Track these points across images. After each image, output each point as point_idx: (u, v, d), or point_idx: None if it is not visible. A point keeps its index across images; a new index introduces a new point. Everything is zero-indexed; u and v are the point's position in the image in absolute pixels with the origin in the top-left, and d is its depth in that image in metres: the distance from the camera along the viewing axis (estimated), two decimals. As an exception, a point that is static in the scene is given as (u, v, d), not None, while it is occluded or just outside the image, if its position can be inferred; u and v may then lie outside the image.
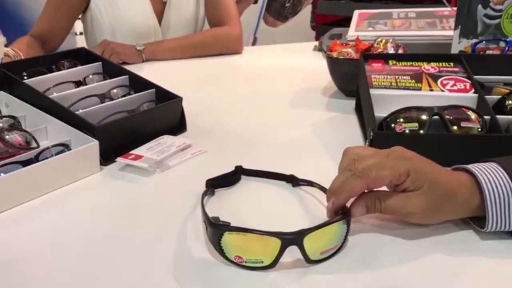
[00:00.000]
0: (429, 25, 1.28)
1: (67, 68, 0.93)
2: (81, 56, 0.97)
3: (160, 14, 1.47)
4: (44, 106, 0.80)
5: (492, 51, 1.02)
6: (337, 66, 1.02)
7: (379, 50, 1.03)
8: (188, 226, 0.60)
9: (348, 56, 1.02)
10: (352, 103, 0.97)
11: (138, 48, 1.35)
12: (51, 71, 0.91)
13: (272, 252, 0.51)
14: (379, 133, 0.73)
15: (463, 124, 0.72)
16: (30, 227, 0.62)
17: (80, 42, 1.62)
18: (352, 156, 0.58)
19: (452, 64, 0.89)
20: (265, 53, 1.51)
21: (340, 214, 0.55)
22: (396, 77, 0.86)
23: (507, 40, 1.02)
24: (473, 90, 0.82)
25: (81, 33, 1.74)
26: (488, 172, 0.55)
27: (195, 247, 0.56)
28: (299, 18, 2.63)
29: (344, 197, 0.56)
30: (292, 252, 0.51)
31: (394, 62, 0.90)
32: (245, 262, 0.52)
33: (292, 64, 1.33)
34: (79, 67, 0.93)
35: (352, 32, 1.27)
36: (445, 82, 0.84)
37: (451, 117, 0.73)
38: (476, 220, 0.57)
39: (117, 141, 0.76)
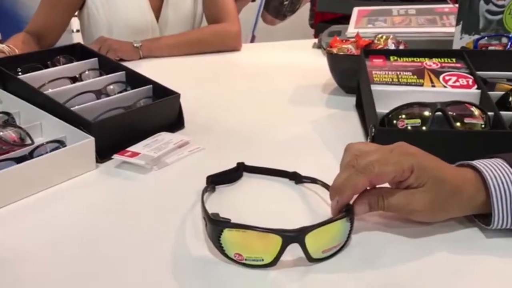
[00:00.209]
0: (429, 22, 1.27)
1: (63, 64, 0.91)
2: (77, 52, 0.96)
3: (157, 11, 1.45)
4: (39, 102, 0.78)
5: (494, 47, 1.01)
6: (337, 62, 1.01)
7: (380, 47, 1.02)
8: (186, 223, 0.59)
9: (348, 52, 1.01)
10: (352, 100, 0.96)
11: (135, 45, 1.33)
12: (47, 67, 0.90)
13: (273, 250, 0.49)
14: (381, 129, 0.71)
15: (466, 120, 0.71)
16: (24, 225, 0.60)
17: (77, 39, 1.60)
18: (354, 152, 0.57)
19: (454, 60, 0.87)
20: (264, 50, 1.50)
21: (343, 211, 0.54)
22: (398, 73, 0.85)
23: (510, 36, 1.00)
24: (476, 86, 0.81)
25: (77, 31, 1.73)
26: (493, 168, 0.54)
27: (194, 245, 0.55)
28: (297, 16, 2.61)
29: (347, 194, 0.54)
30: (294, 250, 0.50)
31: (396, 58, 0.89)
32: (245, 260, 0.50)
33: (292, 61, 1.31)
34: (75, 63, 0.92)
35: (351, 29, 1.26)
36: (447, 78, 0.83)
37: (454, 113, 0.71)
38: (481, 218, 0.56)
39: (113, 138, 0.75)
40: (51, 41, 1.39)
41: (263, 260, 0.50)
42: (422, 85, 0.82)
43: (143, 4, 1.42)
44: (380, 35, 1.06)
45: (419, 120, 0.71)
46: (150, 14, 1.43)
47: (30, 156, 0.67)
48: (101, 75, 0.91)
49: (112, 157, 0.72)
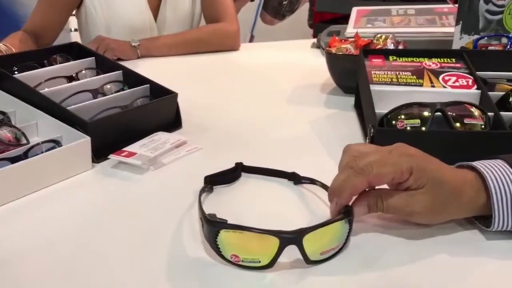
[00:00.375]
0: (429, 22, 1.27)
1: (59, 63, 0.90)
2: (74, 51, 0.95)
3: (155, 10, 1.44)
4: (34, 102, 0.77)
5: (494, 47, 1.00)
6: (336, 62, 1.00)
7: (379, 46, 1.01)
8: (183, 224, 0.58)
9: (347, 52, 1.00)
10: (351, 100, 0.95)
11: (133, 44, 1.33)
12: (43, 66, 0.89)
13: (270, 252, 0.49)
14: (380, 129, 0.71)
15: (466, 120, 0.70)
16: (20, 225, 0.59)
17: (75, 39, 1.59)
18: (352, 153, 0.56)
19: (454, 60, 0.87)
20: (262, 50, 1.49)
21: (342, 213, 0.53)
22: (397, 73, 0.84)
23: (510, 36, 1.00)
24: (475, 86, 0.80)
25: (75, 30, 1.72)
26: (494, 169, 0.53)
27: (190, 246, 0.54)
28: (296, 16, 2.60)
29: (346, 195, 0.54)
30: (291, 252, 0.49)
31: (395, 57, 0.88)
32: (242, 261, 0.50)
33: (290, 61, 1.31)
34: (72, 62, 0.91)
35: (350, 29, 1.25)
36: (447, 78, 0.82)
37: (454, 114, 0.71)
38: (482, 219, 0.55)
39: (109, 137, 0.74)
40: (48, 40, 1.38)
41: (260, 261, 0.49)
42: (421, 85, 0.81)
43: (141, 3, 1.41)
44: (379, 35, 1.05)
45: (418, 121, 0.71)
46: (148, 13, 1.43)
47: (25, 156, 0.66)
48: (98, 74, 0.90)
49: (109, 157, 0.72)
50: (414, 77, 0.83)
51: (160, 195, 0.66)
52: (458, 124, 0.70)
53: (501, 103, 0.77)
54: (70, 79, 0.86)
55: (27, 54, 0.93)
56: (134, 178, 0.70)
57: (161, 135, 0.78)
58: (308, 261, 0.50)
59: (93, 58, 0.93)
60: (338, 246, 0.52)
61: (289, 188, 0.66)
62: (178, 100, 0.85)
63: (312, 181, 0.65)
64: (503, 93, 0.79)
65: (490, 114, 0.72)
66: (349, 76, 0.95)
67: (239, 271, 0.50)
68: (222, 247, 0.50)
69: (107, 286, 0.49)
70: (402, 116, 0.72)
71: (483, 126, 0.70)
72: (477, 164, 0.54)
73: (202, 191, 0.62)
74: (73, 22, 1.71)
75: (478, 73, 0.82)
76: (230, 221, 0.50)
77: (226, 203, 0.63)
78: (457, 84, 0.81)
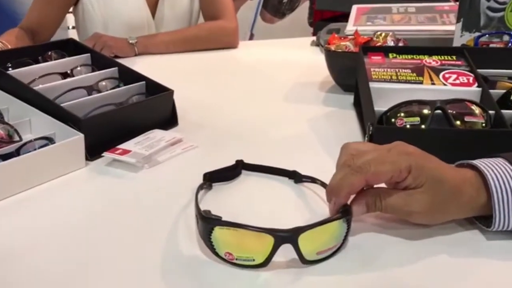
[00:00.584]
0: (429, 20, 1.25)
1: (54, 59, 0.89)
2: (69, 48, 0.93)
3: (153, 7, 1.43)
4: (28, 98, 0.76)
5: (495, 44, 0.99)
6: (335, 60, 0.99)
7: (379, 44, 1.00)
8: (177, 223, 0.57)
9: (346, 49, 0.99)
10: (350, 98, 0.94)
11: (130, 41, 1.31)
12: (37, 62, 0.88)
13: (265, 250, 0.47)
14: (379, 127, 0.69)
15: (466, 118, 0.69)
16: (10, 224, 0.58)
17: (73, 36, 1.58)
18: (350, 152, 0.55)
19: (454, 57, 0.85)
20: (261, 48, 1.48)
21: (340, 212, 0.52)
22: (397, 70, 0.83)
23: (511, 33, 0.98)
24: (476, 84, 0.79)
25: (73, 27, 1.71)
26: (494, 167, 0.52)
27: (185, 244, 0.53)
28: (296, 15, 2.59)
29: (343, 194, 0.52)
30: (287, 251, 0.48)
31: (395, 55, 0.87)
32: (236, 259, 0.49)
33: (289, 58, 1.30)
34: (67, 59, 0.89)
35: (350, 27, 1.24)
36: (447, 75, 0.81)
37: (454, 112, 0.69)
38: (482, 219, 0.54)
39: (104, 135, 0.73)
40: (45, 37, 1.37)
41: (254, 260, 0.48)
42: (421, 82, 0.80)
43: (139, 0, 1.40)
44: (379, 33, 1.04)
45: (418, 118, 0.69)
46: (146, 10, 1.41)
47: (17, 153, 0.65)
48: (93, 71, 0.89)
49: (102, 154, 0.70)
50: (414, 74, 0.82)
51: (154, 193, 0.65)
52: (458, 122, 0.69)
53: (502, 101, 0.76)
54: (64, 75, 0.85)
55: (22, 50, 0.92)
56: (128, 176, 0.68)
57: (157, 132, 0.77)
58: (304, 261, 0.48)
59: (89, 54, 0.91)
60: (336, 246, 0.51)
61: (289, 186, 0.65)
62: (174, 97, 0.84)
63: (312, 180, 0.64)
64: (504, 91, 0.77)
65: (491, 112, 0.71)
66: (348, 73, 0.93)
67: (233, 270, 0.49)
68: (216, 244, 0.49)
69: (100, 284, 0.48)
70: (402, 114, 0.71)
71: (483, 124, 0.69)
72: (477, 162, 0.53)
73: (200, 188, 0.61)
74: (70, 19, 1.70)
75: (479, 70, 0.81)
76: (227, 219, 0.49)
77: (224, 201, 0.62)
78: (457, 81, 0.80)
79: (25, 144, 0.66)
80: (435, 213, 0.53)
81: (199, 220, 0.51)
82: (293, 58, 1.30)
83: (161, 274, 0.49)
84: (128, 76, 0.87)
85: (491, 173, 0.51)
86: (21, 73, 0.82)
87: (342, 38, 1.05)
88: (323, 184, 0.62)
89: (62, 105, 0.74)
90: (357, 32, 1.05)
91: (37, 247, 0.53)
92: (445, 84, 0.79)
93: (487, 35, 1.00)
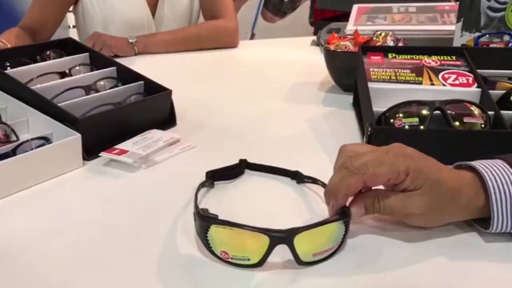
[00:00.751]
0: (430, 19, 1.25)
1: (53, 59, 0.89)
2: (68, 47, 0.93)
3: (153, 6, 1.43)
4: (25, 98, 0.76)
5: (495, 45, 0.98)
6: (334, 60, 0.99)
7: (378, 44, 1.00)
8: (175, 223, 0.57)
9: (346, 49, 0.99)
10: (349, 98, 0.94)
11: (130, 40, 1.31)
12: (36, 61, 0.87)
13: (260, 250, 0.47)
14: (377, 128, 0.69)
15: (466, 119, 0.69)
16: (6, 225, 0.58)
17: (73, 35, 1.58)
18: (348, 154, 0.54)
19: (454, 57, 0.85)
20: (261, 47, 1.47)
21: (338, 214, 0.51)
22: (396, 70, 0.82)
23: (512, 33, 0.98)
24: (476, 85, 0.78)
25: (74, 26, 1.71)
26: (493, 169, 0.51)
27: (182, 243, 0.53)
28: (297, 14, 2.59)
29: (341, 196, 0.52)
30: (283, 252, 0.47)
31: (394, 55, 0.87)
32: (231, 258, 0.49)
33: (289, 58, 1.29)
34: (65, 58, 0.89)
35: (350, 27, 1.24)
36: (446, 76, 0.81)
37: (453, 112, 0.69)
38: (480, 221, 0.53)
39: (101, 135, 0.72)
40: (45, 36, 1.37)
41: (249, 260, 0.48)
42: (420, 83, 0.80)
43: (139, 0, 1.39)
44: (379, 32, 1.03)
45: (416, 119, 0.69)
46: (146, 9, 1.41)
47: (13, 153, 0.64)
48: (92, 70, 0.89)
49: (100, 154, 0.70)
50: (413, 74, 0.81)
51: (151, 193, 0.65)
52: (457, 123, 0.68)
53: (502, 102, 0.75)
54: (62, 75, 0.85)
55: (20, 49, 0.92)
56: (126, 176, 0.68)
57: (154, 132, 0.77)
58: (300, 262, 0.48)
59: (87, 54, 0.91)
60: (333, 247, 0.51)
61: (291, 186, 0.65)
62: (173, 97, 0.84)
63: (314, 181, 0.63)
64: (504, 91, 0.77)
65: (490, 113, 0.70)
66: (347, 73, 0.93)
67: (229, 270, 0.48)
68: (212, 243, 0.49)
69: (97, 283, 0.47)
70: (401, 115, 0.70)
71: (483, 125, 0.69)
72: (476, 164, 0.53)
73: (202, 185, 0.61)
74: (71, 18, 1.69)
75: (479, 71, 0.81)
76: (227, 218, 0.49)
77: (225, 199, 0.62)
78: (457, 82, 0.79)
79: (21, 144, 0.66)
80: (433, 215, 0.52)
81: (196, 218, 0.51)
82: (293, 57, 1.29)
83: (158, 272, 0.49)
84: (126, 75, 0.86)
85: (489, 175, 0.51)
86: (19, 72, 0.82)
87: (342, 38, 1.04)
88: (324, 185, 0.61)
89: (59, 104, 0.74)
90: (357, 32, 1.05)
91: (33, 248, 0.53)
92: (444, 85, 0.79)
93: (487, 35, 1.00)
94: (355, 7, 1.37)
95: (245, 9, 2.46)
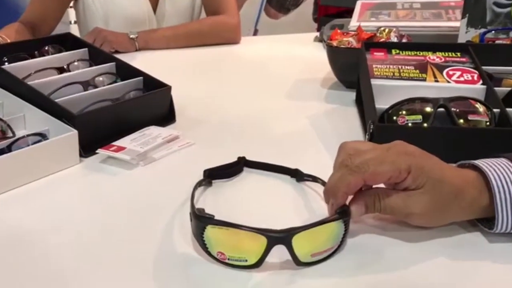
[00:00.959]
0: (434, 16, 1.23)
1: (51, 54, 0.88)
2: (67, 42, 0.92)
3: (155, 2, 1.42)
4: (22, 93, 0.75)
5: (501, 41, 0.97)
6: (337, 56, 0.97)
7: (382, 40, 0.98)
8: (172, 222, 0.56)
9: (349, 45, 0.97)
10: (352, 95, 0.92)
11: (131, 36, 1.30)
12: (34, 56, 0.86)
13: (257, 251, 0.46)
14: (380, 125, 0.68)
15: (470, 117, 0.67)
16: (1, 222, 0.57)
17: (75, 31, 1.57)
18: (348, 151, 0.53)
19: (459, 54, 0.83)
20: (264, 44, 1.46)
21: (337, 213, 0.50)
22: (399, 67, 0.81)
23: (518, 29, 0.96)
24: (481, 82, 0.77)
25: (75, 22, 1.69)
26: (497, 168, 0.50)
27: (179, 243, 0.52)
28: (301, 10, 2.57)
29: (341, 194, 0.51)
30: (281, 252, 0.46)
31: (398, 51, 0.85)
32: (228, 259, 0.47)
33: (291, 54, 1.28)
34: (63, 53, 0.88)
35: (354, 23, 1.22)
36: (451, 72, 0.79)
37: (458, 110, 0.68)
38: (484, 221, 0.52)
39: (99, 131, 0.71)
40: (46, 31, 1.36)
41: (246, 260, 0.47)
42: (424, 79, 0.78)
43: (140, -5, 1.38)
44: (382, 28, 1.02)
45: (420, 117, 0.68)
46: (147, 5, 1.40)
47: (8, 149, 0.63)
48: (91, 66, 0.87)
49: (97, 151, 0.69)
50: (417, 71, 0.80)
51: (149, 191, 0.63)
52: (461, 121, 0.67)
53: (508, 99, 0.74)
54: (61, 70, 0.84)
55: (18, 44, 0.91)
56: (123, 173, 0.67)
57: (153, 129, 0.75)
58: (298, 263, 0.47)
59: (86, 49, 0.90)
60: (333, 247, 0.49)
61: (291, 185, 0.63)
62: (173, 93, 0.83)
63: (314, 179, 0.62)
64: (509, 88, 0.75)
65: (495, 110, 0.69)
66: (350, 70, 0.91)
67: (226, 271, 0.47)
68: (208, 243, 0.48)
69: (92, 281, 0.46)
70: (404, 112, 0.69)
71: (488, 123, 0.67)
72: (479, 162, 0.51)
73: (199, 184, 0.60)
74: (73, 14, 1.68)
75: (484, 67, 0.79)
76: (224, 217, 0.47)
77: (223, 198, 0.60)
78: (461, 79, 0.78)
79: (17, 140, 0.65)
80: (436, 215, 0.51)
81: (192, 218, 0.50)
82: (295, 54, 1.28)
83: (153, 272, 0.47)
84: (125, 71, 0.85)
85: (493, 174, 0.49)
86: (17, 67, 0.81)
87: (345, 34, 1.03)
88: (324, 184, 0.60)
89: (56, 100, 0.73)
90: (360, 28, 1.03)
91: (29, 245, 0.52)
92: (448, 82, 0.77)
93: (493, 31, 0.98)
94: (359, 3, 1.35)
95: (248, 5, 2.45)
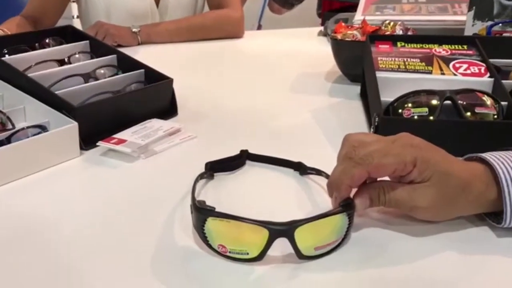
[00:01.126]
0: (440, 9, 1.22)
1: (52, 46, 0.87)
2: (68, 35, 0.91)
3: (157, -5, 1.40)
4: (23, 86, 0.74)
5: (509, 34, 0.95)
6: (341, 49, 0.96)
7: (387, 33, 0.97)
8: (173, 215, 0.55)
9: (353, 38, 0.96)
10: (356, 88, 0.91)
11: (133, 30, 1.28)
12: (35, 49, 0.85)
13: (259, 244, 0.45)
14: (385, 118, 0.66)
15: (477, 109, 0.66)
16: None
17: (77, 26, 1.56)
18: (352, 143, 0.52)
19: (465, 46, 0.82)
20: (267, 38, 1.45)
21: (341, 206, 0.49)
22: (405, 59, 0.80)
23: (526, 23, 0.95)
24: (488, 74, 0.75)
25: (77, 17, 1.68)
26: (505, 161, 0.49)
27: (179, 236, 0.51)
28: (305, 5, 2.55)
29: (344, 187, 0.50)
30: (284, 245, 0.45)
31: (403, 44, 0.84)
32: (229, 252, 0.46)
33: (295, 48, 1.27)
34: (64, 45, 0.87)
35: (358, 17, 1.21)
36: (457, 65, 0.78)
37: (465, 102, 0.66)
38: (492, 215, 0.51)
39: (100, 123, 0.70)
40: (47, 25, 1.34)
41: (248, 253, 0.46)
42: (430, 72, 0.77)
43: (142, -12, 1.37)
44: (387, 22, 1.01)
45: (426, 109, 0.66)
46: (149, -2, 1.39)
47: (7, 141, 0.62)
48: (92, 58, 0.86)
49: (97, 144, 0.68)
50: (423, 64, 0.78)
51: (150, 184, 0.62)
52: (468, 114, 0.66)
53: (516, 92, 0.72)
54: (61, 62, 0.83)
55: (19, 36, 0.90)
56: (124, 166, 0.66)
57: (154, 122, 0.74)
58: (301, 256, 0.46)
59: (87, 42, 0.89)
60: (336, 241, 0.48)
61: (294, 178, 0.62)
62: (176, 87, 0.82)
63: (318, 172, 0.61)
64: (517, 81, 0.74)
65: (503, 103, 0.68)
66: (355, 63, 0.90)
67: (227, 264, 0.46)
68: (209, 236, 0.47)
69: (92, 274, 0.46)
70: (409, 104, 0.68)
71: (495, 116, 0.66)
72: (487, 155, 0.50)
73: (200, 177, 0.59)
74: (75, 8, 1.67)
75: (491, 60, 0.78)
76: (226, 210, 0.46)
77: (225, 191, 0.59)
78: (468, 71, 0.76)
79: (17, 132, 0.64)
80: (442, 209, 0.50)
81: (193, 211, 0.49)
82: (299, 48, 1.27)
83: (154, 265, 0.47)
84: (127, 64, 0.84)
85: (501, 167, 0.48)
86: (17, 59, 0.80)
87: (349, 27, 1.01)
88: (328, 177, 0.59)
89: (57, 92, 0.72)
90: (365, 21, 1.02)
91: (25, 240, 0.51)
92: (455, 74, 0.76)
93: (500, 24, 0.96)
94: (364, -3, 1.33)
95: (252, 1, 2.43)
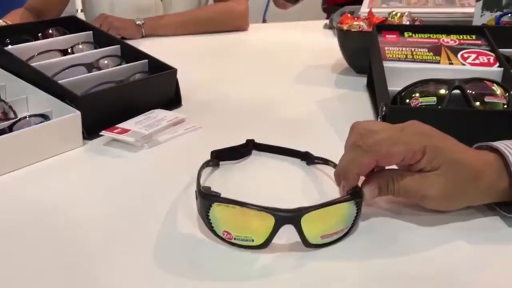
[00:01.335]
0: (447, 2, 1.20)
1: (55, 36, 0.86)
2: (71, 25, 0.90)
3: (161, -12, 1.39)
4: (25, 75, 0.73)
5: (518, 24, 0.94)
6: (347, 40, 0.95)
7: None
8: (176, 203, 0.54)
9: (360, 29, 0.95)
10: (363, 80, 0.90)
11: (137, 22, 1.28)
12: (38, 39, 0.85)
13: (265, 230, 0.44)
14: (392, 107, 0.65)
15: (487, 99, 0.65)
16: (1, 204, 0.55)
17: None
18: (360, 131, 0.51)
19: (474, 36, 0.81)
20: (272, 30, 1.44)
21: (349, 194, 0.48)
22: (412, 49, 0.78)
23: (535, 13, 0.93)
24: (497, 64, 0.74)
25: (82, 11, 1.68)
26: (517, 150, 0.47)
27: (183, 224, 0.50)
28: (310, 0, 2.53)
29: (352, 176, 0.49)
30: (290, 233, 0.44)
31: (410, 34, 0.83)
32: (234, 238, 0.46)
33: (301, 41, 1.26)
34: (67, 36, 0.86)
35: (364, 9, 1.19)
36: (466, 55, 0.76)
37: (474, 91, 0.65)
38: (503, 205, 0.50)
39: (103, 113, 0.70)
40: (50, 17, 1.33)
41: (253, 240, 0.45)
42: (438, 62, 0.75)
43: (146, -19, 1.36)
44: (394, 12, 0.99)
45: (434, 98, 0.65)
46: (153, -9, 1.38)
47: (9, 130, 0.62)
48: (95, 48, 0.86)
49: (101, 133, 0.67)
50: (431, 53, 0.77)
51: (154, 174, 0.62)
52: (478, 103, 0.64)
53: (526, 82, 0.71)
54: (64, 52, 0.82)
55: (21, 26, 0.89)
56: (127, 156, 0.65)
57: (158, 112, 0.74)
58: (307, 244, 0.45)
59: (91, 32, 0.88)
60: (343, 230, 0.47)
61: (301, 168, 0.61)
62: (180, 79, 0.81)
63: (325, 162, 0.60)
64: (527, 71, 0.73)
65: (513, 92, 0.66)
66: (361, 54, 0.89)
67: (232, 252, 0.45)
68: (214, 222, 0.46)
69: (97, 264, 0.45)
70: (417, 94, 0.67)
71: (505, 105, 0.65)
72: (498, 144, 0.49)
73: (206, 164, 0.58)
74: (79, 2, 1.67)
75: (501, 50, 0.76)
76: (230, 197, 0.45)
77: (230, 180, 0.59)
78: (477, 61, 0.75)
79: (19, 120, 0.63)
80: (452, 198, 0.49)
81: (198, 197, 0.48)
82: (305, 41, 1.26)
83: (158, 254, 0.46)
84: (130, 54, 0.83)
85: (513, 156, 0.47)
86: (20, 49, 0.79)
87: (356, 18, 1.00)
88: (335, 166, 0.58)
89: (60, 82, 0.71)
90: (371, 12, 1.01)
91: (28, 229, 0.50)
92: (463, 64, 0.75)
93: (509, 15, 0.95)
94: (370, -10, 1.32)
95: (257, -5, 2.42)
